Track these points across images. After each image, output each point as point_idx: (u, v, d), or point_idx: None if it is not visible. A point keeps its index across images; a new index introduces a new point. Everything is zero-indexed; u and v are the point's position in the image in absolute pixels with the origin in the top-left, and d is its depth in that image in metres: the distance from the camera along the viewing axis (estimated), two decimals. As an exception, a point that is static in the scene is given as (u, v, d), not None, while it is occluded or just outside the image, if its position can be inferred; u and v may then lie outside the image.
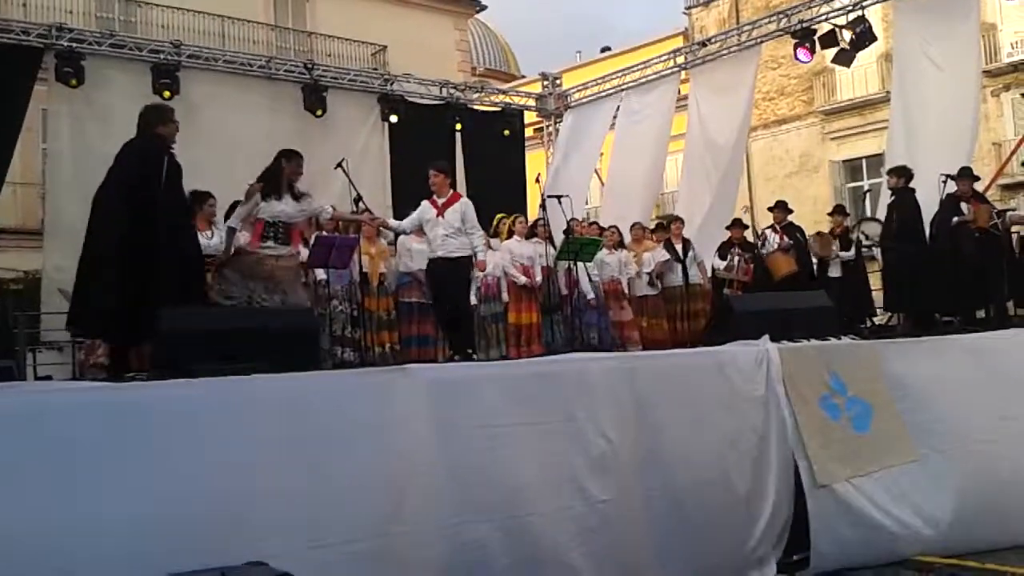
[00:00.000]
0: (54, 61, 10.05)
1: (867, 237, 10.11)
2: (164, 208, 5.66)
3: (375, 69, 17.13)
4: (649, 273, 10.07)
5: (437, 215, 7.37)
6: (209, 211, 7.73)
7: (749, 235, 10.85)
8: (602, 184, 14.08)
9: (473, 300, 8.73)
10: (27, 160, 14.25)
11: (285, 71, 11.89)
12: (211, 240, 7.23)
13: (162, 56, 10.79)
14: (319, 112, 11.70)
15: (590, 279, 9.33)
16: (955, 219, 8.86)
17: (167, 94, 10.41)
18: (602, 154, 14.46)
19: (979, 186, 9.51)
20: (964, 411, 5.78)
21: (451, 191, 7.50)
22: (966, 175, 9.07)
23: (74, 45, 10.17)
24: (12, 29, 10.09)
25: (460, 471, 3.83)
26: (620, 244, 10.11)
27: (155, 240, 5.52)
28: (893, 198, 9.29)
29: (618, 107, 13.87)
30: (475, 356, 7.35)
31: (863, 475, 5.12)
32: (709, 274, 10.54)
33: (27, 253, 13.79)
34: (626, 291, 9.88)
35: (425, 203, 7.54)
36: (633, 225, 10.73)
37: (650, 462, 4.56)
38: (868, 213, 11.52)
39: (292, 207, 6.44)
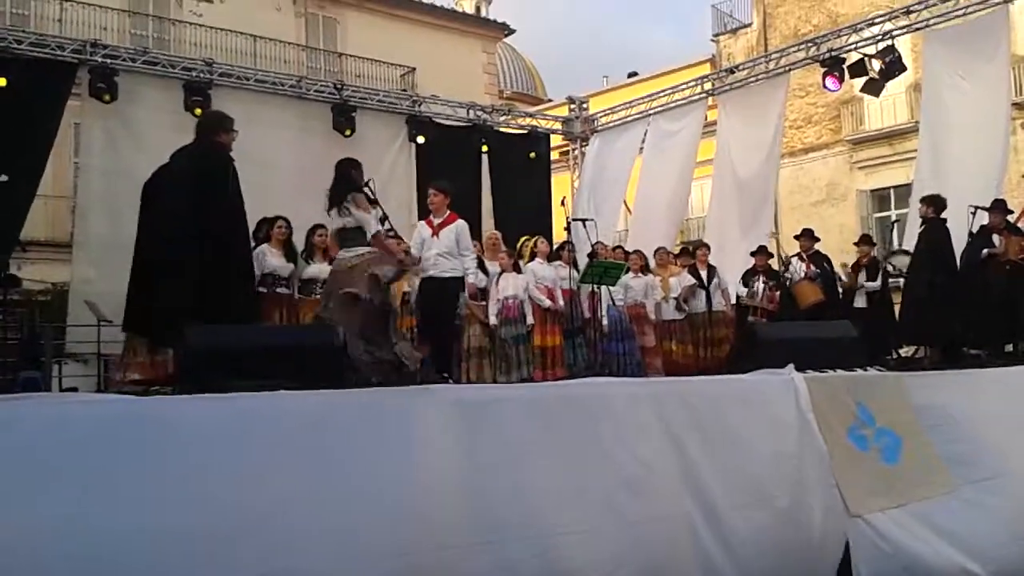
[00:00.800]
0: (88, 77, 10.21)
1: (895, 268, 10.01)
2: (229, 216, 5.70)
3: (404, 90, 17.25)
4: (676, 298, 10.03)
5: (432, 235, 7.31)
6: (279, 232, 8.05)
7: (774, 263, 10.78)
8: (629, 212, 14.05)
9: (493, 321, 8.74)
10: (58, 173, 14.43)
11: (315, 91, 12.01)
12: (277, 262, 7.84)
13: (194, 74, 10.92)
14: (348, 132, 11.80)
15: (613, 303, 9.29)
16: (985, 251, 8.78)
17: (198, 111, 10.50)
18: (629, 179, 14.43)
19: (1010, 219, 9.41)
20: (1000, 443, 5.69)
21: (448, 212, 7.40)
22: (999, 207, 8.99)
23: (108, 61, 10.32)
24: (47, 44, 10.25)
25: (487, 492, 3.78)
26: (645, 268, 10.07)
27: (219, 249, 5.56)
28: (923, 227, 9.21)
29: (645, 132, 13.88)
30: (449, 380, 7.22)
31: (895, 507, 5.03)
32: (733, 301, 10.49)
33: (55, 265, 13.94)
34: (651, 316, 9.84)
35: (421, 223, 7.57)
36: (657, 250, 10.70)
37: (685, 485, 4.47)
38: (896, 243, 11.40)
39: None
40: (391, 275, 6.25)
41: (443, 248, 7.25)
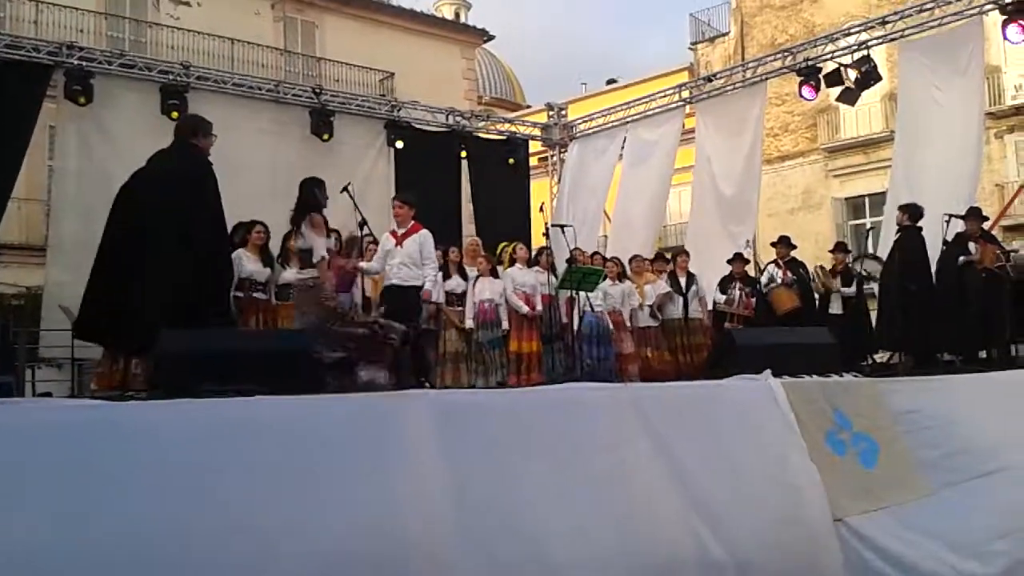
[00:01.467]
0: (63, 79, 10.12)
1: (867, 273, 10.10)
2: (210, 220, 5.71)
3: (382, 95, 17.25)
4: (650, 305, 10.06)
5: (396, 244, 7.56)
6: (256, 237, 8.13)
7: (750, 269, 10.85)
8: (608, 220, 14.10)
9: (470, 324, 8.76)
10: (32, 176, 14.27)
11: (293, 95, 11.97)
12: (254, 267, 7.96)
13: (171, 77, 10.85)
14: (326, 136, 11.78)
15: (591, 309, 9.31)
16: (962, 258, 8.86)
17: (175, 115, 10.44)
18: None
19: (985, 226, 9.52)
20: (975, 447, 5.74)
21: (412, 223, 7.65)
22: (975, 215, 9.09)
23: (84, 64, 10.24)
24: (23, 46, 10.16)
25: (471, 501, 3.75)
26: (623, 275, 10.10)
27: (200, 254, 5.54)
28: (899, 235, 9.29)
29: (625, 139, 13.93)
30: (426, 385, 7.51)
31: (875, 510, 5.05)
32: (710, 308, 10.53)
33: (30, 269, 13.83)
34: (628, 323, 9.86)
35: (385, 234, 7.77)
36: (633, 257, 10.72)
37: (675, 487, 4.44)
38: (870, 250, 11.51)
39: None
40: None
41: (405, 257, 7.50)
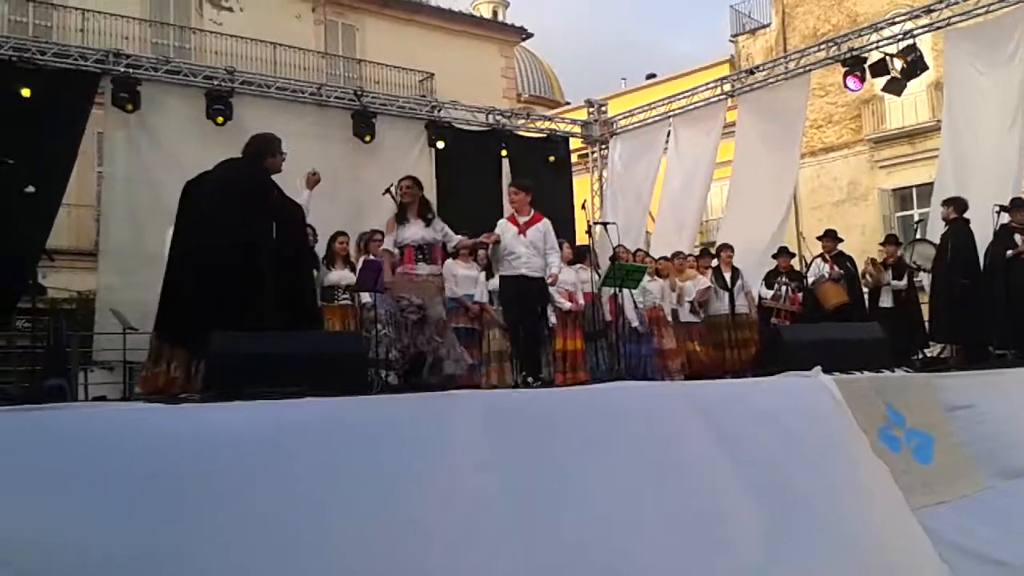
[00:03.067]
0: (110, 86, 10.28)
1: (917, 264, 9.94)
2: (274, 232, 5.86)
3: (423, 96, 17.31)
4: (691, 301, 10.01)
5: (519, 232, 7.33)
6: (340, 248, 8.43)
7: (795, 263, 10.73)
8: (652, 219, 14.02)
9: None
10: (82, 182, 14.55)
11: (335, 98, 12.05)
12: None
13: (216, 82, 10.98)
14: (368, 138, 11.84)
15: (636, 306, 9.28)
16: (1010, 252, 8.71)
17: (220, 119, 10.61)
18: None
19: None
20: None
21: (532, 210, 7.45)
22: (1018, 205, 8.92)
23: (130, 71, 10.40)
24: (70, 54, 10.34)
25: (522, 502, 3.74)
26: (664, 271, 10.06)
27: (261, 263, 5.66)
28: (947, 229, 9.15)
29: (668, 134, 13.85)
30: (532, 383, 7.25)
31: (935, 504, 4.99)
32: (756, 303, 10.44)
33: (80, 274, 14.09)
34: (669, 319, 9.81)
35: (503, 221, 7.50)
36: (675, 254, 10.67)
37: (746, 486, 4.37)
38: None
39: (425, 231, 6.93)
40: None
41: (532, 247, 7.30)
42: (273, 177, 6.06)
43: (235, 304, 5.37)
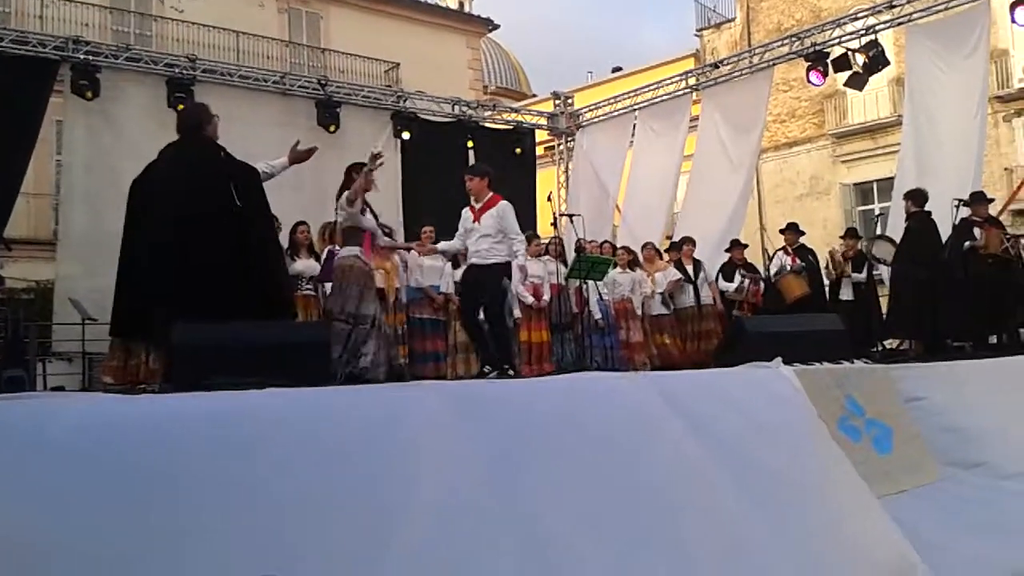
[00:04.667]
0: (70, 73, 10.12)
1: (880, 258, 10.08)
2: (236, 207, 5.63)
3: (388, 86, 17.23)
4: (662, 293, 10.07)
5: (473, 220, 7.00)
6: (302, 237, 8.42)
7: (760, 256, 10.83)
8: (618, 211, 14.07)
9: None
10: (40, 171, 14.33)
11: (299, 87, 11.96)
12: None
13: (177, 70, 10.86)
14: (332, 128, 11.77)
15: (600, 298, 9.32)
16: (967, 244, 8.84)
17: (181, 107, 10.44)
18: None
19: (992, 210, 9.48)
20: (985, 433, 5.74)
21: (490, 193, 7.05)
22: (980, 199, 9.06)
23: (90, 58, 10.24)
24: (29, 41, 10.16)
25: (489, 493, 3.72)
26: (633, 264, 10.10)
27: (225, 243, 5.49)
28: (908, 221, 9.27)
29: (634, 126, 13.90)
30: (511, 372, 7.04)
31: (895, 493, 5.06)
32: (719, 294, 10.53)
33: (38, 264, 13.87)
34: (638, 311, 9.87)
35: (465, 211, 7.17)
36: (644, 245, 10.73)
37: (721, 467, 4.38)
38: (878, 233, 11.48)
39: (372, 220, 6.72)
40: None
41: (485, 231, 6.90)
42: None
43: (202, 289, 5.29)
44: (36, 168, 11.80)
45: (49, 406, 3.50)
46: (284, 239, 8.30)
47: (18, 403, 3.50)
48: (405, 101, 12.93)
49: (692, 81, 13.32)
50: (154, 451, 3.25)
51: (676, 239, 11.22)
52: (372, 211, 6.73)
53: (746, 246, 10.84)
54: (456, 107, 13.50)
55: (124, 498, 3.08)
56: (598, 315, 9.29)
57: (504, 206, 6.99)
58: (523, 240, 7.11)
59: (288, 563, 3.17)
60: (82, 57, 10.18)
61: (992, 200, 9.47)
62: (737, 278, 10.39)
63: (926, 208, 9.17)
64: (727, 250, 10.67)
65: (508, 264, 6.95)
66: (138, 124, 10.35)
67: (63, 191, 10.57)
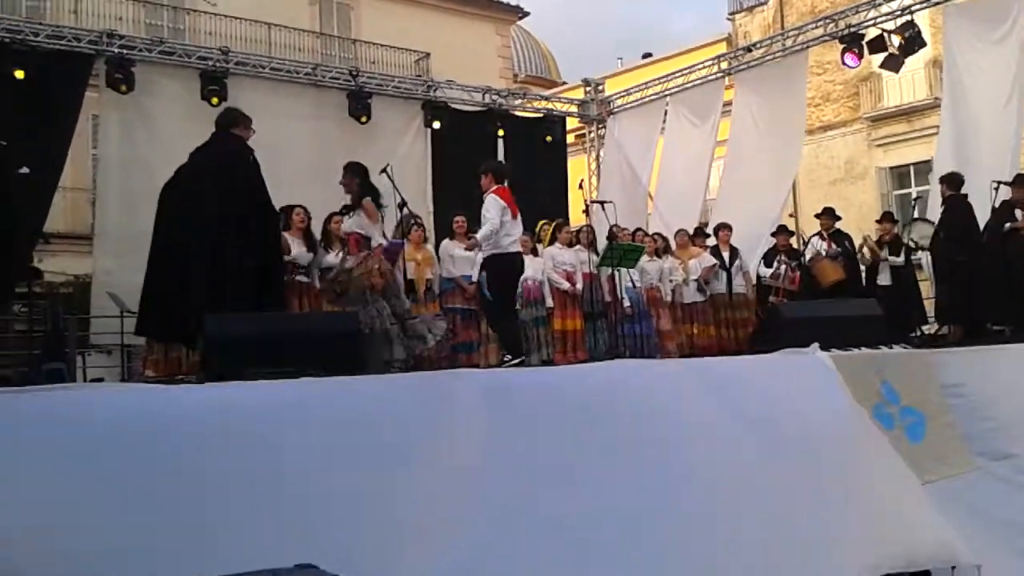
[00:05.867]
0: (104, 68, 10.22)
1: (916, 243, 9.93)
2: (257, 209, 5.82)
3: (418, 76, 17.23)
4: (696, 280, 9.99)
5: (512, 217, 7.34)
6: (298, 220, 8.11)
7: (795, 242, 10.72)
8: (650, 197, 13.99)
9: (549, 302, 8.82)
10: (77, 165, 14.49)
11: (331, 78, 12.00)
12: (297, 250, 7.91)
13: (210, 63, 10.92)
14: (364, 119, 11.80)
15: (634, 286, 9.27)
16: (1008, 226, 8.69)
17: (215, 100, 10.53)
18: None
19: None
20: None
21: (494, 186, 7.36)
22: (1020, 181, 8.89)
23: (124, 52, 10.33)
24: (64, 36, 10.27)
25: (524, 479, 3.71)
26: (666, 251, 10.03)
27: (248, 243, 5.65)
28: (945, 205, 9.13)
29: (665, 112, 13.80)
30: (507, 361, 7.28)
31: (924, 484, 4.99)
32: (754, 282, 10.43)
33: (77, 257, 14.03)
34: (668, 299, 9.80)
35: (504, 205, 7.35)
36: (677, 232, 10.64)
37: (761, 459, 4.34)
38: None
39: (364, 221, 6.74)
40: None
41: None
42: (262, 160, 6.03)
43: (223, 289, 5.38)
44: (73, 163, 11.93)
45: (88, 396, 3.56)
46: (317, 231, 8.34)
47: (59, 392, 3.56)
48: (435, 91, 12.93)
49: (724, 65, 13.18)
50: (185, 439, 3.29)
51: (712, 225, 11.12)
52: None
53: (792, 233, 10.69)
54: (486, 96, 13.48)
55: (156, 482, 3.12)
56: (627, 303, 9.24)
57: (488, 198, 7.29)
58: (487, 223, 7.25)
59: (315, 551, 3.20)
60: (117, 51, 10.27)
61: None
62: (775, 264, 10.29)
63: (962, 191, 9.03)
64: (772, 235, 10.56)
65: (493, 256, 7.29)
66: (172, 117, 10.45)
67: (99, 185, 10.70)
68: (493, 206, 7.22)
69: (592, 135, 15.08)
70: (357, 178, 6.79)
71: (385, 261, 6.57)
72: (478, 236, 7.39)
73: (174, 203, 5.92)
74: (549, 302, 8.85)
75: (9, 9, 16.68)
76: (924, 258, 9.91)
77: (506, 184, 7.42)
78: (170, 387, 4.01)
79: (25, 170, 7.59)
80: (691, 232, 10.84)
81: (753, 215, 11.68)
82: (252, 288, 5.52)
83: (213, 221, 5.60)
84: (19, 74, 9.50)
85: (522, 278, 8.74)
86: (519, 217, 7.46)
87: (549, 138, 13.82)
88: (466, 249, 8.39)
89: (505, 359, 7.36)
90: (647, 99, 14.16)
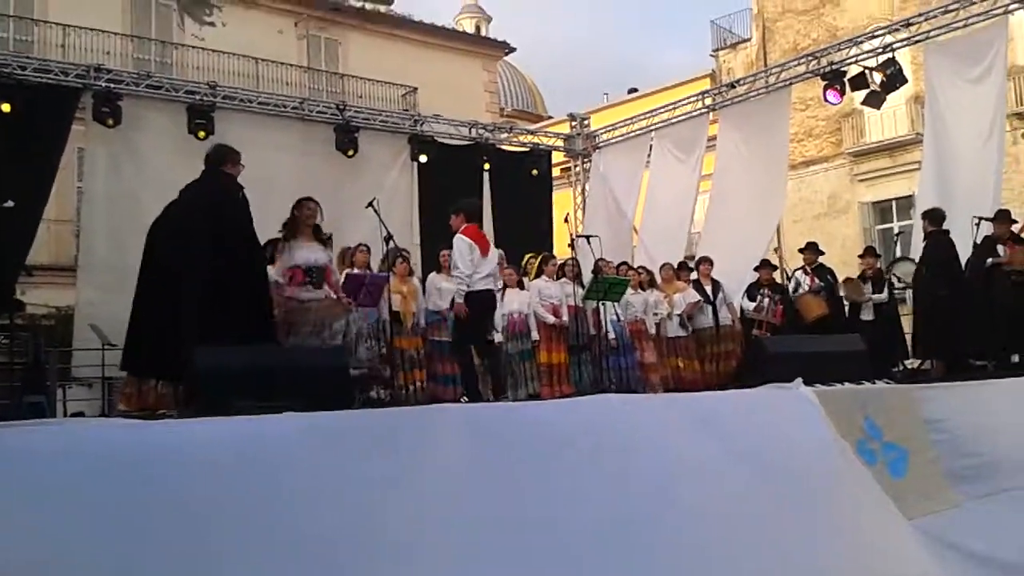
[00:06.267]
0: (91, 101, 10.23)
1: (899, 279, 10.01)
2: (246, 246, 5.89)
3: (405, 110, 17.35)
4: (680, 315, 10.02)
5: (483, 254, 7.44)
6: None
7: (778, 276, 10.77)
8: (635, 232, 14.06)
9: (499, 337, 8.73)
10: (62, 198, 14.45)
11: (318, 112, 12.06)
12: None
13: (198, 97, 10.95)
14: (351, 152, 11.84)
15: (618, 319, 9.29)
16: (990, 261, 8.77)
17: (202, 134, 10.56)
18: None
19: (1015, 228, 9.40)
20: (1008, 455, 5.66)
21: (463, 225, 7.50)
22: (1003, 217, 9.00)
23: (111, 86, 10.36)
24: (51, 69, 10.30)
25: (509, 514, 3.70)
26: (650, 284, 10.07)
27: (238, 279, 5.72)
28: (926, 241, 9.21)
29: (650, 147, 13.90)
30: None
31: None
32: (739, 315, 10.47)
33: (59, 289, 13.96)
34: (652, 332, 9.82)
35: (470, 243, 7.43)
36: (663, 266, 10.68)
37: (748, 499, 4.34)
38: (899, 254, 11.38)
39: (319, 254, 6.73)
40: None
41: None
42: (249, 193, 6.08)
43: (211, 322, 5.38)
44: (58, 195, 11.90)
45: (70, 433, 3.53)
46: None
47: (41, 430, 3.53)
48: (422, 125, 13.00)
49: (708, 101, 13.33)
50: (170, 477, 3.26)
51: (697, 259, 11.16)
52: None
53: (775, 267, 10.74)
54: (473, 130, 13.56)
55: (141, 521, 3.09)
56: (612, 336, 9.26)
57: (456, 239, 7.42)
58: (464, 270, 7.33)
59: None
60: (104, 85, 10.30)
61: (1016, 221, 9.40)
62: (759, 297, 10.32)
63: (944, 227, 9.12)
64: (756, 269, 10.61)
65: (467, 295, 7.31)
66: (159, 151, 10.46)
67: (84, 218, 10.67)
68: (461, 248, 7.30)
69: (578, 169, 15.17)
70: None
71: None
72: (454, 283, 7.50)
73: (163, 240, 5.93)
74: (535, 335, 8.85)
75: (-3, 42, 16.73)
76: (908, 294, 9.98)
77: (478, 222, 7.61)
78: (151, 423, 3.99)
79: (10, 204, 7.60)
80: (675, 266, 10.89)
81: (739, 250, 11.73)
82: (242, 322, 5.52)
83: (204, 258, 5.61)
84: (6, 107, 9.50)
85: (508, 311, 8.79)
86: (491, 253, 7.55)
87: (535, 172, 13.89)
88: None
89: (462, 399, 7.36)
90: (632, 134, 14.27)
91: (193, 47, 19.22)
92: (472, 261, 7.29)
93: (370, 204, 7.24)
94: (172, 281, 5.69)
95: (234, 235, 5.79)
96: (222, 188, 5.95)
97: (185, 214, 5.87)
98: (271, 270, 6.58)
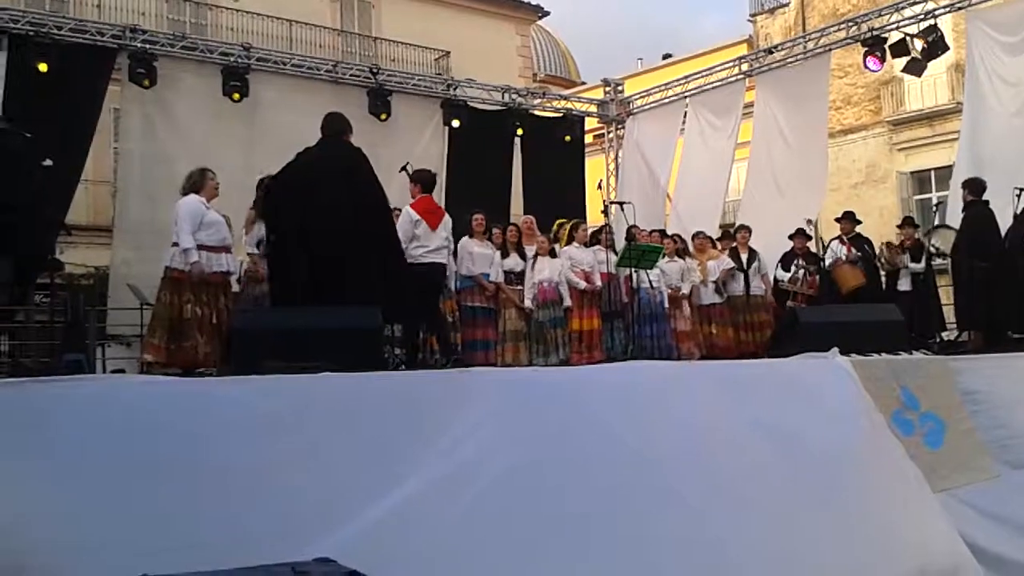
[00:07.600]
0: (127, 62, 10.27)
1: (937, 250, 9.85)
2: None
3: (438, 74, 17.26)
4: (714, 281, 9.96)
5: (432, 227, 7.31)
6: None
7: (812, 246, 10.64)
8: (669, 199, 13.93)
9: (529, 305, 8.71)
10: (99, 158, 14.55)
11: (351, 75, 12.04)
12: None
13: (232, 59, 10.97)
14: (383, 116, 11.82)
15: (651, 285, 9.24)
16: (1028, 231, 8.62)
17: (236, 96, 10.60)
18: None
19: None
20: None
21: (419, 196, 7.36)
22: (1046, 188, 8.82)
23: (147, 46, 10.40)
24: (87, 30, 10.34)
25: (539, 479, 3.71)
26: (682, 252, 10.00)
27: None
28: (966, 211, 9.06)
29: (685, 114, 13.75)
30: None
31: (940, 492, 4.95)
32: (772, 285, 10.38)
33: (98, 250, 14.12)
34: (687, 300, 9.77)
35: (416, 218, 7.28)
36: (696, 234, 10.60)
37: (784, 463, 4.33)
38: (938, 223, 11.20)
39: None
40: None
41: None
42: None
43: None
44: (95, 156, 11.99)
45: (111, 387, 3.58)
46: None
47: (82, 384, 3.59)
48: (455, 89, 12.95)
49: (745, 67, 13.12)
50: (208, 431, 3.31)
51: (735, 227, 11.06)
52: None
53: (810, 237, 10.60)
54: (506, 95, 13.48)
55: (178, 473, 3.14)
56: (645, 303, 9.22)
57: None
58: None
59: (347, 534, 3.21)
60: (139, 45, 10.34)
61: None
62: (793, 268, 10.22)
63: (984, 197, 8.96)
64: (790, 237, 10.48)
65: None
66: (193, 112, 10.52)
67: (120, 179, 10.75)
68: (403, 221, 7.10)
69: (611, 135, 15.05)
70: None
71: None
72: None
73: (301, 203, 5.83)
74: (567, 302, 8.83)
75: (34, 3, 16.80)
76: (946, 263, 9.84)
77: (430, 193, 7.43)
78: (189, 380, 4.04)
79: (49, 162, 7.64)
80: (715, 234, 10.78)
81: (782, 220, 11.52)
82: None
83: (368, 220, 5.83)
84: (43, 67, 9.58)
85: (538, 280, 8.76)
86: (440, 225, 7.33)
87: (568, 138, 13.81)
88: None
89: (395, 354, 7.10)
90: (667, 100, 14.11)
91: (227, 9, 19.24)
92: (416, 236, 7.08)
93: (403, 168, 7.23)
94: (338, 245, 5.69)
95: (378, 202, 6.00)
96: (351, 155, 6.03)
97: (325, 178, 5.85)
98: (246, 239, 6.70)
